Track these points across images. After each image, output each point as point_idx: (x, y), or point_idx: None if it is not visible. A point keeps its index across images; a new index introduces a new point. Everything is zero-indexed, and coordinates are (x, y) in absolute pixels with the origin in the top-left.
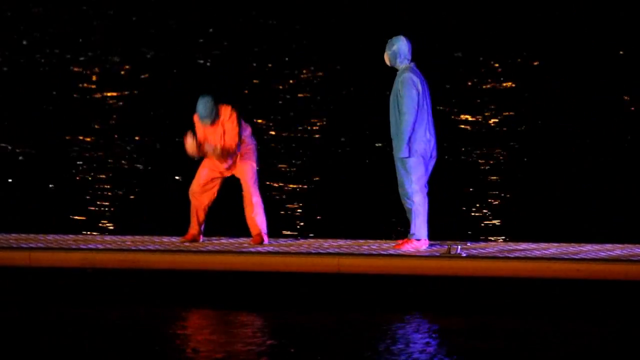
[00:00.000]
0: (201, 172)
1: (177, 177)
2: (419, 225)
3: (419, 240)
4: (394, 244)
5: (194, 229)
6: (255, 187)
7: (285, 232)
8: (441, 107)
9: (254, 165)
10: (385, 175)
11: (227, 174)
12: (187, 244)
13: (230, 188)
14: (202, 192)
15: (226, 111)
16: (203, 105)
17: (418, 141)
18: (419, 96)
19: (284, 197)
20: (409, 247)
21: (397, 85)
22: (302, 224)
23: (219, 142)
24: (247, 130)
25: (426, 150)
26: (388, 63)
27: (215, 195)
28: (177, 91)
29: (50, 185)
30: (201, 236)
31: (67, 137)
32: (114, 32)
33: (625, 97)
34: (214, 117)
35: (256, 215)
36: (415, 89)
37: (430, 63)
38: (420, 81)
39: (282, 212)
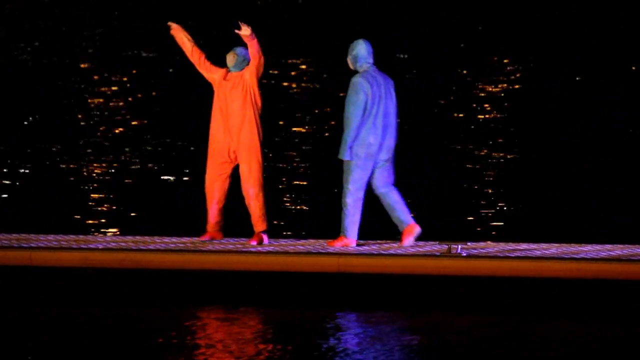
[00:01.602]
0: (210, 165)
1: (169, 178)
2: (348, 225)
3: (347, 238)
4: (327, 242)
5: (209, 226)
6: (260, 186)
7: (285, 232)
8: (441, 107)
9: (260, 164)
10: None
11: (233, 158)
12: (205, 241)
13: (231, 188)
14: (215, 183)
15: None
16: (238, 48)
17: (360, 145)
18: (367, 100)
19: (284, 196)
20: (338, 244)
21: (348, 89)
22: (302, 224)
23: (237, 101)
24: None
25: (368, 154)
26: (351, 67)
27: (227, 185)
28: (177, 91)
29: (51, 185)
30: (221, 234)
31: (66, 137)
32: (114, 32)
33: (626, 97)
34: (242, 63)
35: (261, 209)
36: (363, 93)
37: (430, 62)
38: (374, 84)
39: (283, 212)
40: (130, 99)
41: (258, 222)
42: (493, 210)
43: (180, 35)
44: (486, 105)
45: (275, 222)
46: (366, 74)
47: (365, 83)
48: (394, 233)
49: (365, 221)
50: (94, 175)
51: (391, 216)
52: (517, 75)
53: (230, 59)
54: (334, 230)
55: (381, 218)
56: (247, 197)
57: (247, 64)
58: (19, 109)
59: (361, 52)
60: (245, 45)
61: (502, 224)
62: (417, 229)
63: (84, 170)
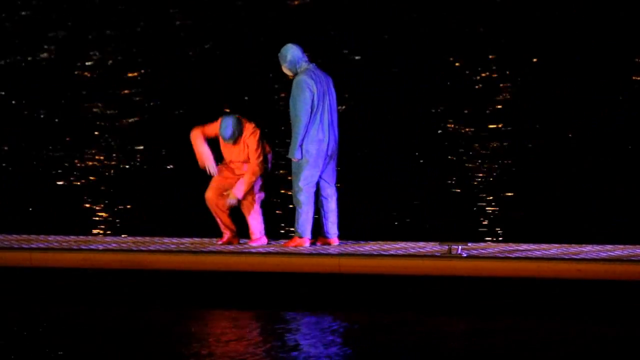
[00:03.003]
0: (215, 179)
1: (168, 167)
2: (302, 223)
3: (301, 237)
4: (283, 242)
5: (225, 232)
6: (258, 190)
7: (285, 233)
8: (440, 107)
9: (258, 182)
10: (385, 174)
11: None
12: (220, 245)
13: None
14: (217, 196)
15: (249, 128)
16: (225, 126)
17: (310, 142)
18: (313, 97)
19: (285, 197)
20: (292, 245)
21: (292, 88)
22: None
23: (242, 159)
24: (269, 155)
25: (319, 151)
26: (290, 74)
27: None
28: (176, 91)
29: (52, 186)
30: (236, 238)
31: (67, 138)
32: (115, 32)
33: (625, 98)
34: (237, 136)
35: (252, 217)
36: (309, 91)
37: (429, 63)
38: (317, 82)
39: (283, 213)
40: (129, 96)
41: (250, 229)
42: (493, 211)
43: (202, 149)
44: (486, 105)
45: (276, 222)
46: (308, 71)
47: (310, 80)
48: (393, 233)
49: (364, 222)
50: (95, 175)
51: (320, 217)
52: (517, 75)
53: (229, 142)
54: (339, 230)
55: (380, 219)
56: (242, 202)
57: (241, 132)
58: (18, 109)
59: (296, 54)
60: (228, 118)
61: (502, 224)
62: (334, 243)
63: (84, 170)
